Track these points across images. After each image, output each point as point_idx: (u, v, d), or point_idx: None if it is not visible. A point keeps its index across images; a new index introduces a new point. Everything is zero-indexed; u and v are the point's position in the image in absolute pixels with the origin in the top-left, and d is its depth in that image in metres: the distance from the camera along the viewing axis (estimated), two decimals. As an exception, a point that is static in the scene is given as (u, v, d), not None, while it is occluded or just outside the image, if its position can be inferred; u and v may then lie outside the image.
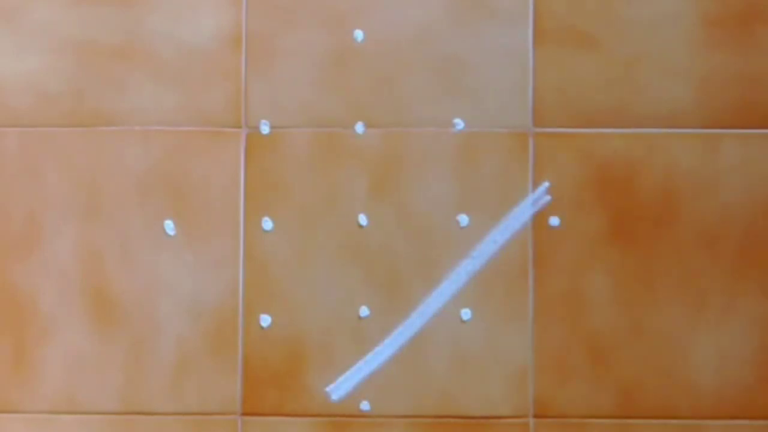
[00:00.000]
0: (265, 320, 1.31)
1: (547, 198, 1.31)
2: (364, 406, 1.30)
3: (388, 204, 1.31)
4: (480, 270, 1.30)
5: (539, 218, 1.31)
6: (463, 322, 1.30)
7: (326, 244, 1.31)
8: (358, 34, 1.31)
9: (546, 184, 1.30)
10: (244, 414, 1.30)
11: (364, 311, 1.30)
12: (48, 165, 1.32)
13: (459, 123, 1.31)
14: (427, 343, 1.30)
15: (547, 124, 1.31)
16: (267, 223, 1.31)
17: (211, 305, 1.31)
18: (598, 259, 1.30)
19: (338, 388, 1.30)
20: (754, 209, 1.30)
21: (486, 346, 1.30)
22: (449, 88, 1.31)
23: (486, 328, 1.30)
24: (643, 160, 1.30)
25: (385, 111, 1.31)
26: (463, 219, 1.31)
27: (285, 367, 1.30)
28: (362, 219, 1.31)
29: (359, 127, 1.31)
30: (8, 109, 1.32)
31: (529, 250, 1.30)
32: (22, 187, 1.32)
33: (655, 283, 1.30)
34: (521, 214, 1.30)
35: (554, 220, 1.30)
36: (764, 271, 1.30)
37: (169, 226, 1.31)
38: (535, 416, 1.29)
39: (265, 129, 1.31)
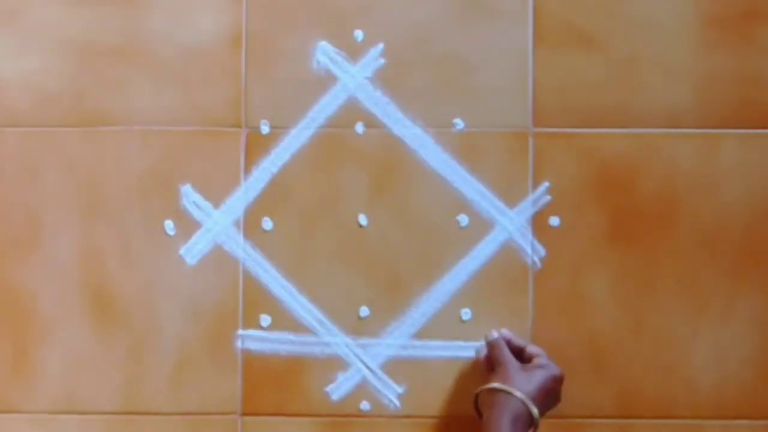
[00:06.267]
0: (265, 320, 1.31)
1: (547, 198, 1.31)
2: (364, 406, 1.30)
3: (388, 204, 1.31)
4: (480, 270, 1.30)
5: (539, 218, 1.31)
6: (463, 322, 1.30)
7: (326, 244, 1.31)
8: (358, 35, 1.31)
9: (546, 184, 1.30)
10: (244, 414, 1.30)
11: (364, 311, 1.30)
12: (48, 165, 1.32)
13: (459, 123, 1.31)
14: (427, 343, 1.30)
15: (547, 124, 1.31)
16: (267, 223, 1.31)
17: (211, 305, 1.31)
18: (598, 259, 1.30)
19: (338, 388, 1.30)
20: (754, 209, 1.30)
21: (486, 346, 1.30)
22: (449, 88, 1.31)
23: (486, 328, 1.30)
24: (643, 160, 1.30)
25: (384, 111, 1.31)
26: (463, 219, 1.31)
27: (285, 367, 1.30)
28: (362, 219, 1.31)
29: (359, 127, 1.31)
30: (8, 109, 1.32)
31: (529, 250, 1.30)
32: (22, 187, 1.32)
33: (655, 283, 1.30)
34: (521, 214, 1.30)
35: (554, 220, 1.30)
36: (764, 271, 1.30)
37: (169, 226, 1.31)
38: (535, 416, 1.29)
39: (265, 129, 1.31)
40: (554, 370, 1.21)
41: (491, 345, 1.25)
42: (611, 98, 1.31)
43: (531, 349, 1.24)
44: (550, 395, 1.20)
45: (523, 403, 1.16)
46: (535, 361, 1.22)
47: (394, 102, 1.31)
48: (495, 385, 1.18)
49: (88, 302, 1.31)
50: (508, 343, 1.25)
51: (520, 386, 1.17)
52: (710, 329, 1.29)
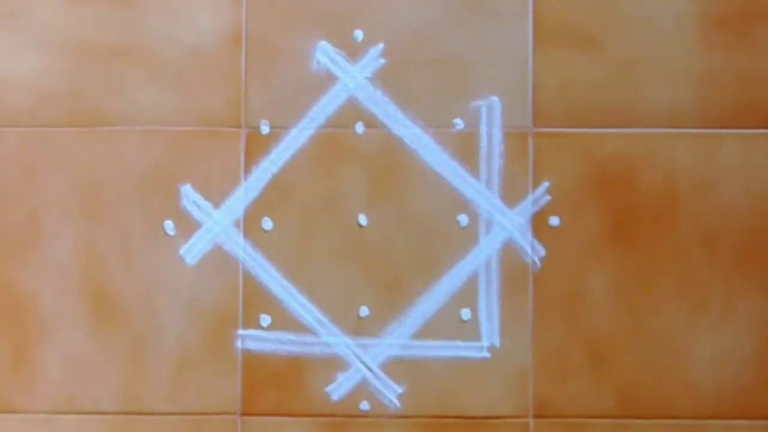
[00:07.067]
0: (265, 320, 1.31)
1: (547, 198, 1.31)
2: (364, 406, 1.30)
3: (388, 204, 1.31)
4: (480, 270, 1.30)
5: (539, 218, 1.31)
6: (463, 322, 1.30)
7: (326, 244, 1.31)
8: (358, 35, 1.31)
9: (546, 184, 1.30)
10: (244, 414, 1.30)
11: (364, 311, 1.30)
12: (48, 165, 1.32)
13: (459, 123, 1.31)
14: (427, 343, 1.30)
15: (547, 124, 1.31)
16: (267, 223, 1.31)
17: (211, 305, 1.31)
18: (598, 259, 1.30)
19: (338, 388, 1.30)
20: (754, 209, 1.30)
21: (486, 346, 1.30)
22: (449, 88, 1.31)
23: (486, 328, 1.30)
24: (643, 160, 1.30)
25: (384, 111, 1.31)
26: (463, 219, 1.31)
27: (285, 367, 1.30)
28: (362, 219, 1.31)
29: (359, 127, 1.31)
30: (8, 109, 1.32)
31: (529, 250, 1.30)
32: (22, 187, 1.32)
33: (655, 283, 1.30)
34: (521, 214, 1.31)
35: (554, 220, 1.30)
36: (764, 271, 1.30)
37: (169, 226, 1.31)
38: (535, 416, 1.29)
39: (265, 129, 1.31)
40: None
41: None
42: (611, 98, 1.31)
43: None
44: None
45: None
46: None
47: (394, 102, 1.31)
48: None
49: (88, 302, 1.31)
50: None
51: None
52: (710, 329, 1.30)
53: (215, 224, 1.31)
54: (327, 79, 1.31)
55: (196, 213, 1.31)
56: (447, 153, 1.31)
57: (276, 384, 1.30)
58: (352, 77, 1.31)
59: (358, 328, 1.30)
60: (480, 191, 1.30)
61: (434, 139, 1.31)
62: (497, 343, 1.30)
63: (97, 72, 1.32)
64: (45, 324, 1.31)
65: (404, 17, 1.31)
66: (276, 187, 1.31)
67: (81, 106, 1.32)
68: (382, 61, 1.31)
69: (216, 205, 1.31)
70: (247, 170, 1.31)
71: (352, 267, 1.31)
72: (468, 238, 1.30)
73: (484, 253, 1.30)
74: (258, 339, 1.30)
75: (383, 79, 1.31)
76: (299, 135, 1.31)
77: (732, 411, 1.29)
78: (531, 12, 1.31)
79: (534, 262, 1.30)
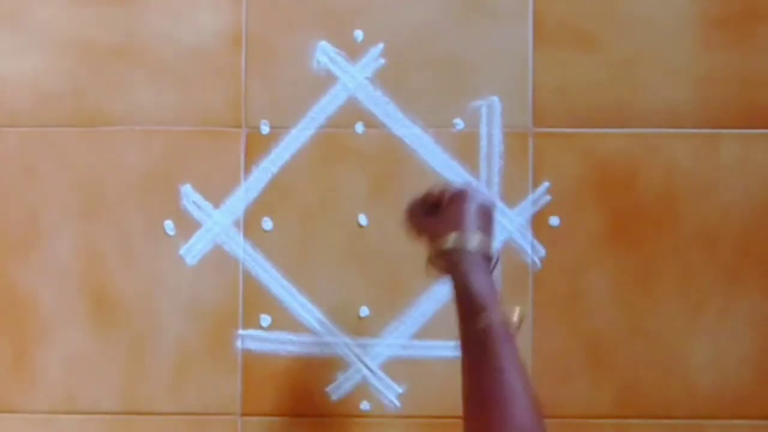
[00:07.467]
0: (265, 320, 1.31)
1: (547, 198, 1.31)
2: (364, 406, 1.30)
3: (388, 204, 1.31)
4: (480, 270, 1.30)
5: (539, 218, 1.31)
6: (462, 322, 1.30)
7: (326, 244, 1.31)
8: (358, 35, 1.31)
9: (546, 184, 1.30)
10: (244, 414, 1.30)
11: (364, 311, 1.30)
12: (48, 165, 1.32)
13: (459, 123, 1.31)
14: (427, 343, 1.30)
15: (547, 124, 1.31)
16: (267, 223, 1.31)
17: (211, 305, 1.31)
18: (598, 259, 1.30)
19: (338, 388, 1.30)
20: (754, 209, 1.30)
21: (486, 346, 1.30)
22: (449, 88, 1.31)
23: (486, 328, 1.30)
24: (643, 160, 1.30)
25: (384, 111, 1.31)
26: (463, 219, 1.31)
27: (285, 367, 1.30)
28: (362, 219, 1.31)
29: (359, 127, 1.31)
30: (8, 109, 1.32)
31: (529, 250, 1.30)
32: (22, 187, 1.32)
33: (654, 283, 1.30)
34: (521, 214, 1.31)
35: (554, 220, 1.30)
36: (763, 271, 1.30)
37: (169, 226, 1.31)
38: (535, 416, 1.29)
39: (265, 129, 1.31)
40: (463, 194, 1.04)
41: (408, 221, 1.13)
42: (611, 98, 1.31)
43: (432, 194, 1.09)
44: (482, 217, 1.03)
45: (475, 250, 1.01)
46: (445, 201, 1.06)
47: (394, 102, 1.31)
48: (443, 249, 1.03)
49: (88, 302, 1.31)
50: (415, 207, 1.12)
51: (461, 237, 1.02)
52: (709, 329, 1.30)
53: (215, 224, 1.31)
54: (327, 79, 1.31)
55: (196, 213, 1.31)
56: (447, 153, 1.31)
57: (276, 384, 1.30)
58: (352, 77, 1.31)
59: (358, 328, 1.31)
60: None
61: (434, 139, 1.31)
62: (497, 343, 1.30)
63: (98, 72, 1.32)
64: (45, 324, 1.31)
65: (404, 17, 1.31)
66: (276, 187, 1.31)
67: (81, 106, 1.32)
68: (382, 61, 1.31)
69: (216, 205, 1.31)
70: (247, 170, 1.31)
71: (352, 267, 1.31)
72: (468, 238, 1.30)
73: (484, 253, 1.30)
74: (258, 339, 1.30)
75: (383, 79, 1.31)
76: (299, 135, 1.31)
77: (731, 411, 1.29)
78: (531, 12, 1.31)
79: (534, 262, 1.30)
